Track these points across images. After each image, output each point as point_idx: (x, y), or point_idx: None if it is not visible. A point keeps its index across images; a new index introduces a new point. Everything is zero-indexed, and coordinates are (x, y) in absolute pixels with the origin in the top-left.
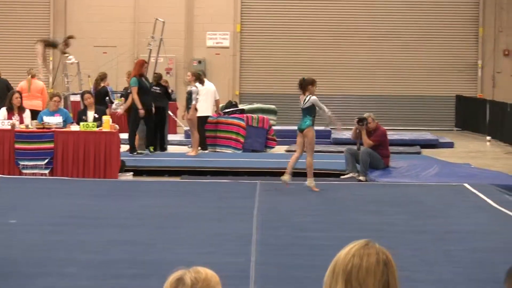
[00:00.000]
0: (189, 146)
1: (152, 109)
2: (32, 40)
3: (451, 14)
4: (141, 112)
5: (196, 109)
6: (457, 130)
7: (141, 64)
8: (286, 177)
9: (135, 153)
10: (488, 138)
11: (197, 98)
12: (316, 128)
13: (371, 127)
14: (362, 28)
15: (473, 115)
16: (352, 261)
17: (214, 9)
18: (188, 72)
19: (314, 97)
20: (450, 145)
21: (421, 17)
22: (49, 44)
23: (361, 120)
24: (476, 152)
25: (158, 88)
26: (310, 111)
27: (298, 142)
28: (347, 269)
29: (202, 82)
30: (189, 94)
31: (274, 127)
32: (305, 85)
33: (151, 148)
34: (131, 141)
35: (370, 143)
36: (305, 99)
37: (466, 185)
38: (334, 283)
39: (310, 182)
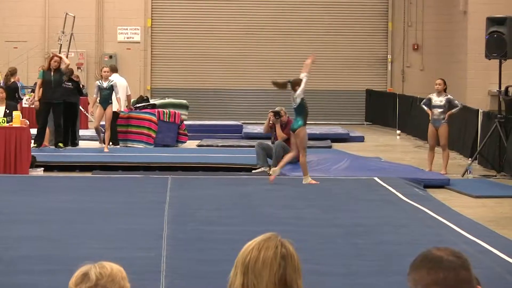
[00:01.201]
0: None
1: (53, 103)
2: None
3: (361, 9)
4: (35, 104)
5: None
6: (367, 124)
7: (50, 58)
8: (276, 169)
9: (35, 146)
10: (398, 132)
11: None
12: (227, 122)
13: (283, 120)
14: (273, 22)
15: (383, 109)
16: (250, 254)
17: (125, 4)
18: (105, 68)
19: (299, 92)
20: (360, 139)
21: (331, 12)
22: None
23: (276, 114)
24: (386, 145)
25: (69, 84)
26: (300, 110)
27: (292, 142)
28: (245, 261)
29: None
30: (110, 89)
31: (185, 122)
32: (294, 85)
33: (61, 144)
34: (38, 133)
35: (283, 136)
36: (295, 98)
37: (376, 178)
38: (234, 276)
39: (306, 179)
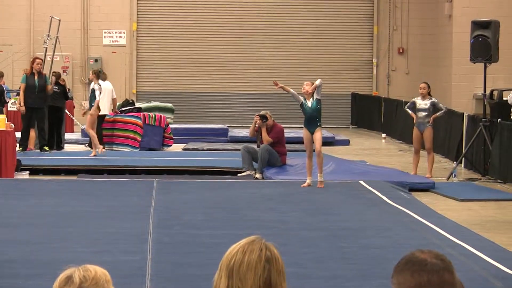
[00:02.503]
0: (86, 145)
1: (36, 108)
2: None
3: (346, 13)
4: (21, 109)
5: (98, 107)
6: (353, 127)
7: (32, 61)
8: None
9: (20, 149)
10: (384, 135)
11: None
12: (213, 126)
13: (268, 124)
14: (259, 26)
15: (368, 112)
16: (235, 257)
17: (110, 8)
18: (90, 71)
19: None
20: (346, 142)
21: (316, 16)
22: None
23: (263, 117)
24: (371, 149)
25: (56, 87)
26: None
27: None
28: (230, 264)
29: (103, 79)
30: (92, 92)
31: (171, 126)
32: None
33: (46, 148)
34: (21, 137)
35: (269, 140)
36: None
37: (361, 182)
38: (219, 279)
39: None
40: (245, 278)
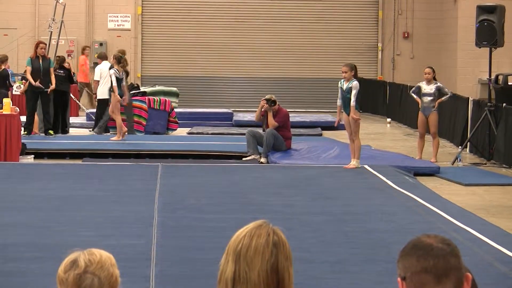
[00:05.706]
0: (91, 129)
1: (41, 91)
2: None
3: None
4: (36, 84)
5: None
6: None
7: (36, 45)
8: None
9: (25, 133)
10: (388, 120)
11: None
12: (217, 110)
13: (274, 108)
14: (263, 10)
15: (373, 97)
16: (242, 241)
17: None
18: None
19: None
20: None
21: (321, 0)
22: None
23: (271, 101)
24: (376, 134)
25: (61, 71)
26: None
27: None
28: (237, 248)
29: (104, 58)
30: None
31: (176, 110)
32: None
33: (51, 132)
34: (26, 121)
35: (275, 124)
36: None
37: (366, 166)
38: (226, 263)
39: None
40: (252, 263)
